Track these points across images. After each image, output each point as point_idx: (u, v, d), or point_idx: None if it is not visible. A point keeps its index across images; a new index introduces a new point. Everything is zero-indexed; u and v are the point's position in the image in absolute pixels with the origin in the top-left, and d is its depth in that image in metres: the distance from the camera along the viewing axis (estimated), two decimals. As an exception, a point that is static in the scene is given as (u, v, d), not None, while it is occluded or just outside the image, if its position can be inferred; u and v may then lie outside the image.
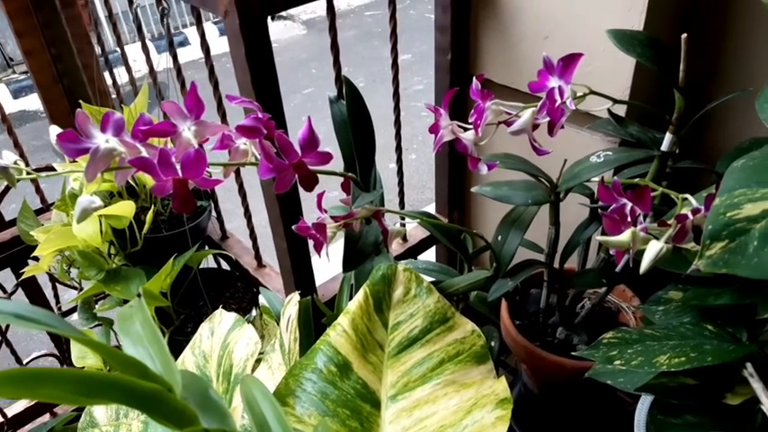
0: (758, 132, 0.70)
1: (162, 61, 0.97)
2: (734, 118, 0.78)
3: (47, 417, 1.22)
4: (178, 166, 0.45)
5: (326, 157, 0.50)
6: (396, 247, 1.08)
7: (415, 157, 3.25)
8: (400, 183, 1.03)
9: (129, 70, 1.04)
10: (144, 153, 0.47)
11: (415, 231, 1.10)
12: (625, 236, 0.46)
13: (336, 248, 0.67)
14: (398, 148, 0.97)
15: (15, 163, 0.49)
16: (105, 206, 0.89)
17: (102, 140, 0.45)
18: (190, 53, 4.47)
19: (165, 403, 0.28)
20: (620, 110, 0.75)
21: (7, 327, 1.17)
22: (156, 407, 0.28)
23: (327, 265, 0.78)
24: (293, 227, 0.59)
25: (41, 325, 0.29)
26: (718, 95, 0.66)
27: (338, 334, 0.61)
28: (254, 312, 1.03)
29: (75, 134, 0.45)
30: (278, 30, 5.46)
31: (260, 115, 0.48)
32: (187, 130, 0.48)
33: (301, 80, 4.44)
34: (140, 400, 0.28)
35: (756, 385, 0.46)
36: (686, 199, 0.49)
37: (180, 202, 0.45)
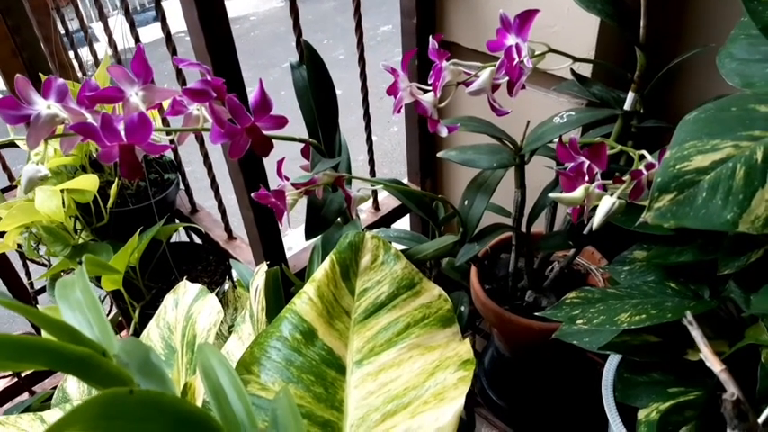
0: (723, 90, 0.70)
1: (129, 35, 0.94)
2: (699, 77, 0.78)
3: (26, 395, 1.22)
4: (124, 132, 0.44)
5: (281, 121, 0.49)
6: (368, 216, 1.07)
7: (397, 129, 3.23)
8: (370, 151, 1.01)
9: (90, 44, 1.01)
10: (89, 119, 0.45)
11: (388, 200, 1.10)
12: (578, 192, 0.46)
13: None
14: (366, 115, 0.95)
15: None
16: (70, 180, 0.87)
17: (44, 106, 0.44)
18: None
19: (96, 367, 0.27)
20: (587, 71, 0.74)
21: (-21, 307, 1.16)
22: (88, 370, 0.27)
23: (303, 241, 0.77)
24: (252, 195, 0.58)
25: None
26: (682, 54, 0.66)
27: (304, 302, 0.61)
28: (226, 285, 1.02)
29: (14, 100, 0.43)
30: (255, 2, 5.36)
31: (209, 78, 0.47)
32: (135, 96, 0.47)
33: (280, 54, 4.37)
34: (71, 364, 0.27)
35: (695, 333, 0.46)
36: (643, 156, 0.48)
37: (127, 168, 0.44)
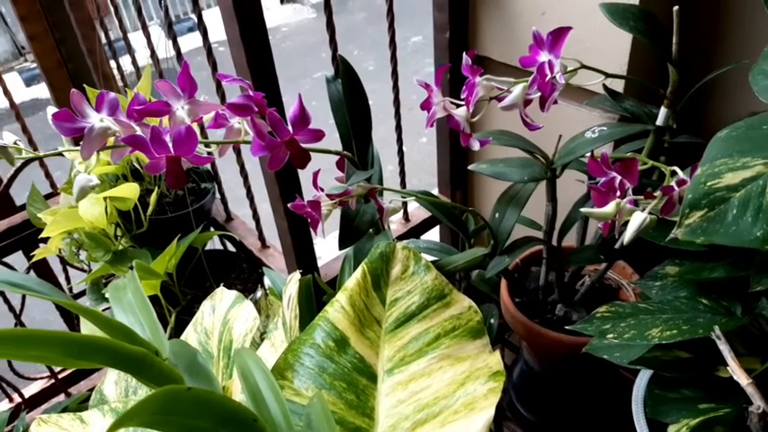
0: (757, 106, 0.69)
1: (170, 46, 0.98)
2: (734, 92, 0.78)
3: (62, 397, 1.25)
4: (171, 144, 0.46)
5: (318, 135, 0.51)
6: (398, 227, 1.08)
7: (426, 140, 3.24)
8: (401, 162, 1.03)
9: (132, 55, 1.05)
10: (138, 132, 0.48)
11: (418, 212, 1.11)
12: (609, 207, 0.47)
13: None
14: (398, 127, 0.97)
15: (15, 143, 0.50)
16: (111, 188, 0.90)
17: (97, 119, 0.46)
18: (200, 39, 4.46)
19: (150, 365, 0.29)
20: (619, 86, 0.74)
21: (21, 311, 1.20)
22: (142, 369, 0.29)
23: (333, 250, 0.79)
24: (289, 205, 0.60)
25: (30, 291, 0.30)
26: (715, 70, 0.66)
27: (336, 310, 0.62)
28: (258, 293, 1.05)
29: (70, 113, 0.46)
30: (287, 13, 5.44)
31: (251, 93, 0.49)
32: (181, 109, 0.49)
33: (311, 65, 4.41)
34: (127, 363, 0.29)
35: (723, 347, 0.46)
36: (675, 172, 0.49)
37: (173, 178, 0.46)
